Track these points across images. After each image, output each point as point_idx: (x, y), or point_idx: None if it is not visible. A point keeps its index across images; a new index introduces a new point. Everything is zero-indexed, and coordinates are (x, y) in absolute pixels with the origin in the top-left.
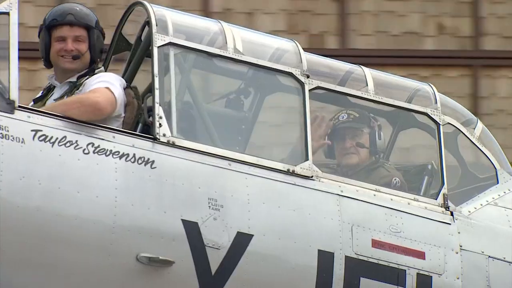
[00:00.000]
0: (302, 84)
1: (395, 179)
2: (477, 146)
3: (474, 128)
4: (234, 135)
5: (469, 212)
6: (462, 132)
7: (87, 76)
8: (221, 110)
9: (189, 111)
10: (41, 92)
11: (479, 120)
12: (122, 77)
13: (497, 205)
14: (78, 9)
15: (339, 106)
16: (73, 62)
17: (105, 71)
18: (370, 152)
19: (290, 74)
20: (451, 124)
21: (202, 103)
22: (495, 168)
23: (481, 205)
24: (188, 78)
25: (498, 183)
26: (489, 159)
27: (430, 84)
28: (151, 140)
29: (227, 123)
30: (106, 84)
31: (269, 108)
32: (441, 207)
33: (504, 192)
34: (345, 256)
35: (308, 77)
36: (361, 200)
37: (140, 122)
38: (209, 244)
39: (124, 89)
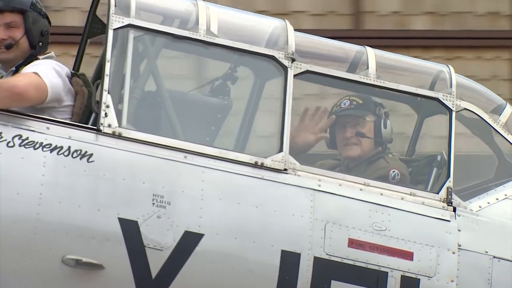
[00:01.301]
0: (285, 68)
1: (393, 171)
2: (501, 134)
3: (500, 114)
4: (206, 125)
5: (480, 207)
6: (483, 119)
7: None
8: (193, 97)
9: (149, 99)
10: None
11: (508, 105)
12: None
13: None
14: None
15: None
16: (7, 52)
17: (83, 55)
18: (375, 143)
19: (272, 58)
20: (470, 110)
21: (166, 91)
22: None
23: (497, 199)
24: (153, 63)
25: None
26: None
27: (449, 66)
28: (94, 132)
29: (200, 112)
30: (36, 70)
31: (248, 95)
32: (443, 202)
33: None
34: (314, 257)
35: (293, 60)
36: (342, 195)
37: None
38: (150, 245)
39: (71, 77)
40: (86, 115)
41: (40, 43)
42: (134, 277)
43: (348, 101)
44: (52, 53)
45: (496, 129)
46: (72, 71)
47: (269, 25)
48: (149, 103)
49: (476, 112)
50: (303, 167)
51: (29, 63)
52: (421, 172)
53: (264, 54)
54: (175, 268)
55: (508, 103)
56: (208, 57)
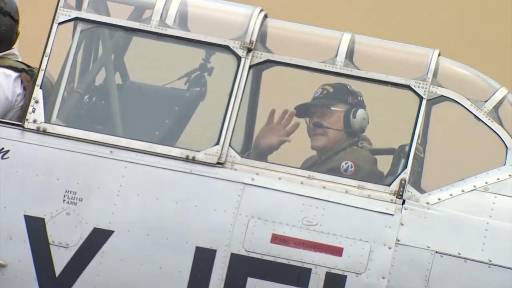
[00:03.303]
0: (239, 58)
1: (345, 163)
2: (483, 121)
3: (486, 101)
4: (156, 119)
5: (439, 200)
6: (463, 106)
7: None
8: (149, 90)
9: (94, 94)
10: None
11: (499, 91)
12: None
13: (487, 191)
14: None
15: None
16: None
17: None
18: (344, 133)
19: (226, 48)
20: (447, 97)
21: (115, 85)
22: (506, 147)
23: (463, 191)
24: (107, 56)
25: (505, 164)
26: (500, 136)
27: (435, 50)
28: (19, 128)
29: (153, 106)
30: None
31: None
32: (392, 195)
33: (510, 176)
34: (231, 253)
35: (250, 50)
36: (276, 189)
37: None
38: (55, 242)
39: (21, 74)
40: None
41: None
42: (37, 275)
43: (320, 90)
44: (14, 50)
45: (478, 116)
46: (24, 68)
47: (237, 13)
48: (92, 98)
49: (456, 99)
50: (243, 160)
51: None
52: (395, 164)
53: (218, 44)
54: (80, 266)
55: (502, 89)
56: (167, 50)
